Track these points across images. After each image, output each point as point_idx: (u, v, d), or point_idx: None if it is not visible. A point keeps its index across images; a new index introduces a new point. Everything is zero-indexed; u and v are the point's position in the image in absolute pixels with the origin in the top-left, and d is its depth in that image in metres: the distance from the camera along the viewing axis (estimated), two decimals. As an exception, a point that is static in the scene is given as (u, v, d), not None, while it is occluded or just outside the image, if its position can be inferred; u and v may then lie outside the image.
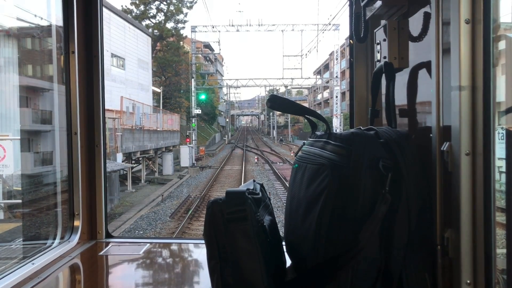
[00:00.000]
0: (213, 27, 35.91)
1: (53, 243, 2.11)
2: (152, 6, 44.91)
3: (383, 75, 1.53)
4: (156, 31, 44.21)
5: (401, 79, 1.56)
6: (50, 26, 2.63)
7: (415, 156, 1.25)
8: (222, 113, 79.72)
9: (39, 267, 1.77)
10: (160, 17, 45.28)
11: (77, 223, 2.12)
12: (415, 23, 1.50)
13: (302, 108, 1.43)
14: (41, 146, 15.70)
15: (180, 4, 45.53)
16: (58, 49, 2.60)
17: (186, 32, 56.98)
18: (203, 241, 1.30)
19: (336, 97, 35.87)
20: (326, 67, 62.75)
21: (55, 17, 2.35)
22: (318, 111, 1.65)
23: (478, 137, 1.09)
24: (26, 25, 12.86)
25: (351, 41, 2.04)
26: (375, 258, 1.19)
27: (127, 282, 1.79)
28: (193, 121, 35.79)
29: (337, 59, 36.58)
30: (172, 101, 45.62)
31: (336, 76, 38.36)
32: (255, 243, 1.23)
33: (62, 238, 2.15)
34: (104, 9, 3.10)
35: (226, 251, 1.25)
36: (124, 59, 30.59)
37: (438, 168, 1.21)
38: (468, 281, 1.11)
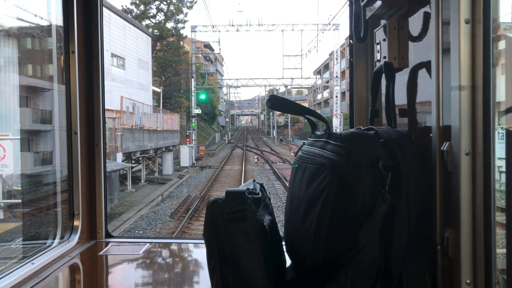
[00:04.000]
0: (213, 27, 35.92)
1: (53, 243, 2.11)
2: (152, 6, 44.92)
3: (383, 75, 1.53)
4: (156, 31, 44.18)
5: (401, 79, 1.56)
6: (50, 25, 2.63)
7: (415, 156, 1.25)
8: (222, 113, 79.69)
9: (38, 266, 1.77)
10: (160, 17, 45.32)
11: (77, 223, 2.12)
12: (415, 23, 1.50)
13: (302, 108, 1.43)
14: (41, 146, 15.69)
15: (180, 4, 45.51)
16: (58, 49, 2.60)
17: (186, 32, 56.99)
18: (203, 241, 1.30)
19: (336, 97, 35.88)
20: (326, 67, 62.73)
21: (55, 17, 2.35)
22: (318, 111, 1.65)
23: (478, 137, 1.09)
24: (26, 24, 12.86)
25: (351, 41, 2.04)
26: (375, 258, 1.19)
27: (127, 282, 1.79)
28: (193, 121, 35.78)
29: (337, 59, 36.59)
30: (172, 101, 45.61)
31: (336, 76, 38.37)
32: (255, 243, 1.23)
33: (62, 238, 2.15)
34: (104, 9, 3.09)
35: (226, 251, 1.25)
36: (124, 59, 30.58)
37: (438, 168, 1.21)
38: (468, 281, 1.11)
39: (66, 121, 2.14)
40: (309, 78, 47.84)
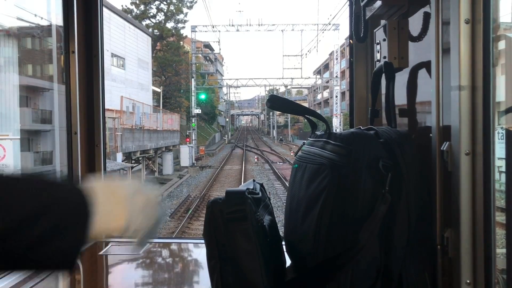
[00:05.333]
0: (213, 27, 35.90)
1: (53, 242, 2.11)
2: (152, 6, 44.93)
3: (383, 75, 1.53)
4: (156, 31, 44.18)
5: (401, 79, 1.56)
6: (50, 25, 2.63)
7: (415, 156, 1.25)
8: (222, 112, 79.70)
9: (39, 266, 1.77)
10: (160, 17, 45.30)
11: (77, 222, 2.12)
12: (415, 23, 1.50)
13: (301, 108, 1.43)
14: (41, 145, 15.69)
15: (180, 4, 45.53)
16: (58, 49, 2.60)
17: (186, 32, 56.99)
18: (203, 241, 1.30)
19: (336, 97, 35.89)
20: (326, 67, 62.71)
21: (55, 17, 2.35)
22: (318, 111, 1.66)
23: (478, 137, 1.09)
24: (26, 24, 12.86)
25: (351, 41, 2.04)
26: (375, 258, 1.19)
27: (127, 282, 1.79)
28: (193, 120, 35.79)
29: (337, 59, 36.59)
30: (172, 100, 45.60)
31: (336, 76, 38.37)
32: (255, 243, 1.23)
33: (62, 237, 2.15)
34: (104, 9, 3.09)
35: (226, 251, 1.24)
36: (124, 58, 30.57)
37: (438, 168, 1.22)
38: (468, 281, 1.11)
39: (66, 121, 2.14)
40: (309, 78, 47.76)
